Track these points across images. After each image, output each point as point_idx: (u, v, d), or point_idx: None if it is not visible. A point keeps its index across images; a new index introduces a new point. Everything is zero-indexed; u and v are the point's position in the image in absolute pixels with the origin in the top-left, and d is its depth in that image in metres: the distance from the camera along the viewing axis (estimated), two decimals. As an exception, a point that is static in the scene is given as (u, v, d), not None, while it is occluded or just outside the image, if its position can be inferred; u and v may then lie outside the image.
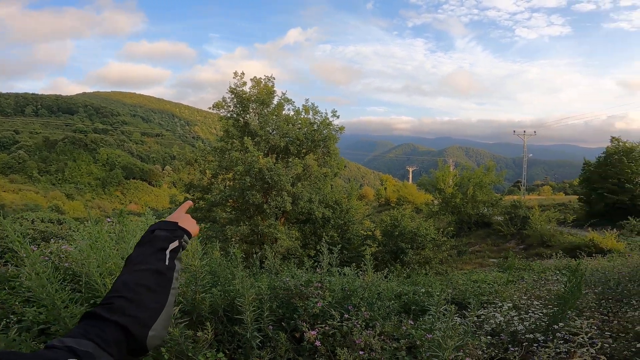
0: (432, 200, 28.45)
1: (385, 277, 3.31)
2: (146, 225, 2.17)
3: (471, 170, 26.45)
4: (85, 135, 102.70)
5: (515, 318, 2.50)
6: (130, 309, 0.73)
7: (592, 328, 2.12)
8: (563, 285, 2.61)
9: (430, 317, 2.27)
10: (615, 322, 2.44)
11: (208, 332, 1.82)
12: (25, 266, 1.58)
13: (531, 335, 2.18)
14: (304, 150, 16.26)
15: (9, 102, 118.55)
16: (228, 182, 16.18)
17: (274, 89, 16.64)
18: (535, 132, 39.59)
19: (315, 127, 16.31)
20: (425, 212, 25.48)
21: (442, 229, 14.24)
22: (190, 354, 1.67)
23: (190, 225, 1.00)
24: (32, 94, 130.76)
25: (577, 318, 2.34)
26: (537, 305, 2.79)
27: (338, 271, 2.77)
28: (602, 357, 1.63)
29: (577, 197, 24.33)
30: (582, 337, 1.68)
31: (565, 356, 1.80)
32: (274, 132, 16.29)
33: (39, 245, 2.94)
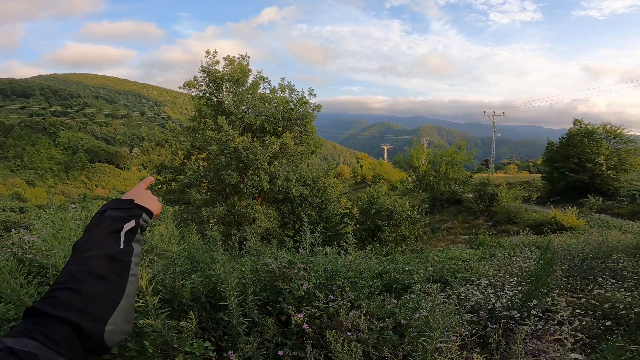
0: (407, 178, 29.03)
1: (366, 256, 3.32)
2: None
3: (444, 149, 27.13)
4: (44, 119, 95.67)
5: (492, 295, 2.58)
6: (77, 302, 0.64)
7: (573, 306, 2.24)
8: (534, 262, 2.72)
9: (415, 296, 2.31)
10: (583, 299, 2.58)
11: (192, 320, 1.74)
12: (-17, 260, 1.42)
13: (508, 313, 2.27)
14: (280, 129, 15.97)
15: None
16: (202, 163, 15.72)
17: (249, 67, 16.10)
18: (504, 113, 40.93)
19: (291, 105, 16.03)
20: (400, 190, 26.08)
21: (416, 206, 14.57)
22: (175, 345, 1.59)
23: (151, 202, 0.87)
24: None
25: (548, 295, 2.46)
26: (511, 282, 2.90)
27: (321, 251, 2.73)
28: (580, 334, 1.71)
29: (541, 175, 25.56)
30: (562, 315, 1.75)
31: (541, 334, 1.88)
32: (250, 110, 15.86)
33: (1, 235, 2.70)
